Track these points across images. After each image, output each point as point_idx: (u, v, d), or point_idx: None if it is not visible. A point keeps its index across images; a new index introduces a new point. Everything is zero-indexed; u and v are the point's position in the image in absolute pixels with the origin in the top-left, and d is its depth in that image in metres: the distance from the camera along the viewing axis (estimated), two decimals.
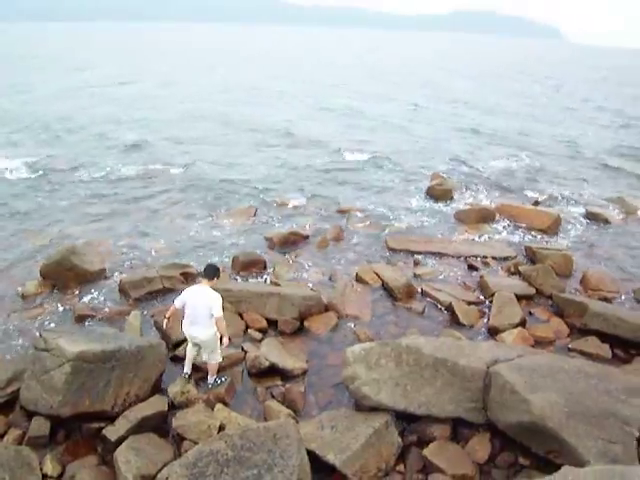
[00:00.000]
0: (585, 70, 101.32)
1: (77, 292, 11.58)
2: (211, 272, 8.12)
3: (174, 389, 8.18)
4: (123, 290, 11.46)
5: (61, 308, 10.94)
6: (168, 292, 11.45)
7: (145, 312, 10.66)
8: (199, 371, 8.70)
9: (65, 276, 11.74)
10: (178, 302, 8.16)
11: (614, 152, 28.61)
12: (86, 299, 11.33)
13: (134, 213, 16.60)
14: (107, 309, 10.90)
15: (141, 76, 54.56)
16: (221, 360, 8.55)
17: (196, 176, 20.79)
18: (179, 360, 9.04)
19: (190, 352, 8.49)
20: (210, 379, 8.57)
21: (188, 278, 12.06)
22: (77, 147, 24.79)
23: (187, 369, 8.56)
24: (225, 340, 8.15)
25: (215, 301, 7.83)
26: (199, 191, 19.00)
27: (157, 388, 8.26)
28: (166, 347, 8.83)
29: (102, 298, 11.39)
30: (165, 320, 8.57)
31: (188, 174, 21.02)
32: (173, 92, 43.98)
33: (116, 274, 12.42)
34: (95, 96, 40.05)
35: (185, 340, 8.84)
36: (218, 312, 7.82)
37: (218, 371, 8.62)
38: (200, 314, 7.90)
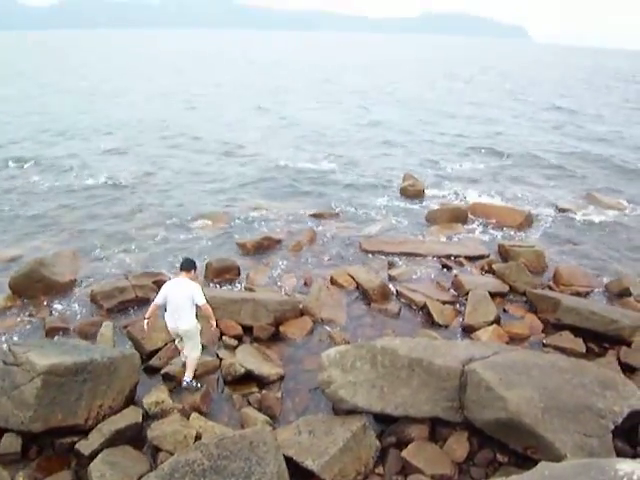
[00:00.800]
0: (542, 69, 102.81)
1: (47, 304, 11.34)
2: (188, 265, 8.46)
3: (149, 400, 8.03)
4: (95, 301, 11.26)
5: (31, 321, 10.69)
6: (141, 301, 11.28)
7: (118, 322, 10.47)
8: (172, 380, 8.57)
9: (35, 288, 11.52)
10: (159, 298, 8.36)
11: (573, 154, 28.97)
12: (57, 311, 11.11)
13: (104, 222, 16.32)
14: (79, 321, 10.68)
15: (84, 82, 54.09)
16: (199, 355, 8.66)
17: (166, 184, 20.58)
18: (153, 370, 8.95)
19: (178, 342, 8.83)
20: (187, 377, 8.51)
21: (161, 286, 11.82)
22: (41, 156, 24.31)
23: (184, 358, 8.75)
24: (213, 323, 8.51)
25: (196, 290, 8.18)
26: (169, 198, 18.79)
27: (131, 399, 8.11)
28: (140, 357, 8.69)
29: (73, 309, 11.18)
30: (146, 321, 8.55)
31: (157, 182, 20.77)
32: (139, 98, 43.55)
33: (87, 284, 12.20)
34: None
35: (159, 349, 9.26)
36: (201, 300, 8.15)
37: (194, 377, 8.51)
38: (181, 305, 8.15)
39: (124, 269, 13.08)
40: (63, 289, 11.86)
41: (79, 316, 10.92)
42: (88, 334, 9.98)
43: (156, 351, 9.36)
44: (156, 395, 8.14)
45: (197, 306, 8.25)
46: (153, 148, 26.20)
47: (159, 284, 11.78)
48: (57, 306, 11.32)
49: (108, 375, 7.80)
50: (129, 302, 11.27)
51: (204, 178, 21.54)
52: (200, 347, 8.67)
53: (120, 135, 29.22)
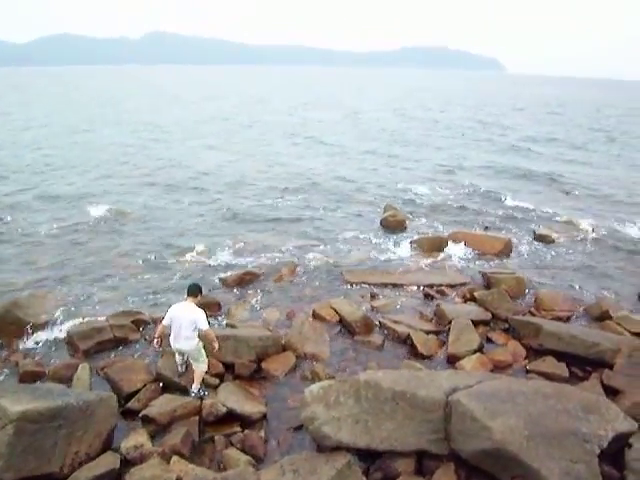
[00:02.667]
0: (504, 99, 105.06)
1: (21, 347, 11.02)
2: (195, 290, 9.09)
3: (127, 444, 7.80)
4: (71, 342, 10.98)
5: (4, 365, 10.36)
6: (119, 342, 11.09)
7: (95, 364, 10.21)
8: (152, 423, 8.36)
9: (8, 331, 11.22)
10: (166, 319, 9.01)
11: (551, 176, 29.56)
12: (31, 354, 10.79)
13: (80, 260, 16.00)
14: (54, 363, 10.34)
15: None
16: (207, 369, 9.27)
17: (143, 219, 20.36)
18: (132, 413, 8.73)
19: (177, 358, 9.42)
20: (194, 387, 9.06)
21: (140, 325, 11.73)
22: (15, 192, 24.07)
23: (180, 369, 9.46)
24: (216, 345, 9.09)
25: (200, 316, 8.78)
26: (147, 235, 18.57)
27: (109, 444, 7.86)
28: (117, 400, 8.48)
29: (48, 352, 10.87)
30: (156, 339, 9.25)
31: (132, 218, 20.50)
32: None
33: (63, 325, 11.87)
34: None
35: (138, 390, 9.18)
36: (204, 325, 8.79)
37: (171, 423, 8.36)
38: (184, 328, 8.74)
39: (101, 309, 12.82)
40: (38, 331, 11.56)
41: (54, 359, 10.60)
42: (64, 377, 9.68)
43: (135, 393, 9.13)
44: (135, 439, 7.92)
45: (200, 330, 8.82)
46: (125, 185, 25.91)
47: (138, 323, 11.74)
48: (31, 349, 11.01)
49: (84, 420, 7.58)
50: (107, 343, 10.99)
51: (182, 214, 21.32)
52: (206, 361, 9.22)
53: (92, 173, 28.94)
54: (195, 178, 27.62)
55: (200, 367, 9.12)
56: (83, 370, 9.66)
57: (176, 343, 8.96)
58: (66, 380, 9.57)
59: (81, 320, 12.08)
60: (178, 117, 55.97)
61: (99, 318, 11.99)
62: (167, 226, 19.43)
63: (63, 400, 7.58)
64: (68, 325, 11.83)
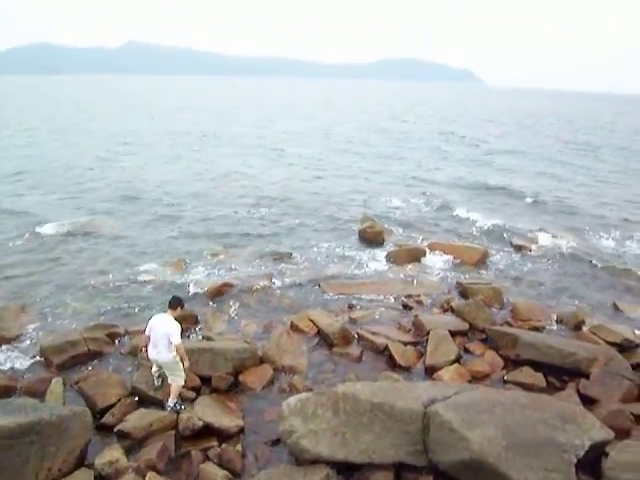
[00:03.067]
0: (477, 111, 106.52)
1: None
2: (174, 302, 9.13)
3: (101, 460, 7.63)
4: (44, 356, 10.75)
5: None
6: (94, 355, 10.90)
7: (69, 378, 10.00)
8: (127, 438, 8.21)
9: None
10: (147, 330, 9.07)
11: (526, 189, 29.99)
12: (3, 368, 10.53)
13: (53, 274, 15.70)
14: (27, 378, 10.13)
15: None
16: (183, 383, 9.16)
17: (115, 233, 20.01)
18: (106, 428, 8.55)
19: (154, 370, 9.36)
20: (170, 401, 9.00)
21: (115, 338, 11.56)
22: None
23: (156, 382, 9.40)
24: (186, 364, 8.98)
25: (173, 329, 8.69)
26: (122, 247, 18.30)
27: (83, 460, 7.69)
28: (92, 414, 8.31)
29: (21, 366, 10.61)
30: (143, 349, 9.35)
31: (107, 231, 20.17)
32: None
33: (36, 339, 11.63)
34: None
35: (113, 405, 9.03)
36: (176, 339, 8.65)
37: (147, 438, 8.21)
38: (160, 340, 8.75)
39: (76, 322, 12.59)
40: (10, 345, 11.35)
41: (27, 373, 10.38)
42: (37, 392, 9.45)
43: (109, 407, 8.97)
44: (110, 454, 7.75)
45: (172, 344, 8.72)
46: (92, 200, 25.40)
47: (113, 336, 11.57)
48: (3, 363, 10.75)
49: (57, 435, 7.41)
50: (81, 356, 10.79)
51: (156, 227, 21.00)
52: (183, 375, 9.08)
53: (64, 184, 28.51)
54: (164, 191, 27.15)
55: (177, 381, 9.02)
56: (57, 384, 9.45)
57: (152, 354, 8.97)
58: (39, 395, 9.34)
59: (55, 333, 11.85)
60: (143, 128, 55.39)
61: (73, 331, 11.76)
62: (140, 239, 19.12)
63: (36, 415, 7.41)
64: (41, 339, 11.58)
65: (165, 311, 9.21)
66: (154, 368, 9.35)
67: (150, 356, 9.06)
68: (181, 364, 8.95)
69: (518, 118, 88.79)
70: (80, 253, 17.48)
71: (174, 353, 8.78)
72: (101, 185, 28.20)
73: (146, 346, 9.17)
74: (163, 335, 8.71)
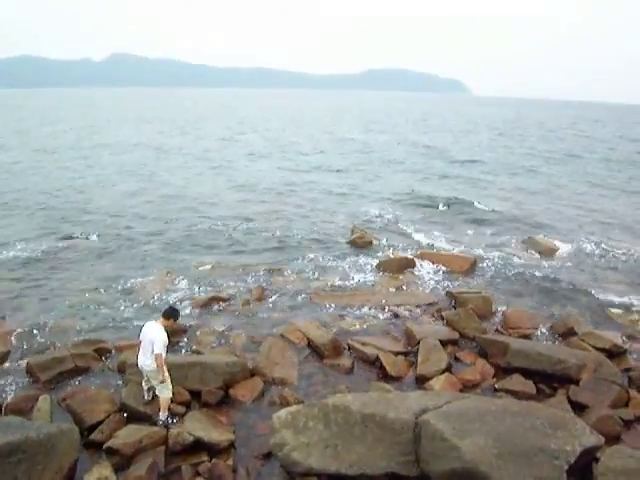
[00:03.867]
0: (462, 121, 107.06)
1: None
2: (167, 313, 9.12)
3: (90, 477, 7.55)
4: (31, 373, 10.61)
5: None
6: (81, 371, 10.79)
7: (56, 395, 9.88)
8: (116, 455, 8.11)
9: None
10: (141, 335, 9.07)
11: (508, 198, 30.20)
12: None
13: (39, 290, 15.50)
14: (13, 396, 9.97)
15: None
16: (171, 396, 9.07)
17: (104, 246, 19.90)
18: (94, 445, 8.45)
19: (144, 383, 9.26)
20: (161, 416, 9.00)
21: (103, 354, 11.45)
22: None
23: (147, 396, 9.30)
24: (161, 376, 8.78)
25: (157, 338, 8.61)
26: (109, 261, 18.15)
27: (71, 478, 7.58)
28: (79, 432, 8.21)
29: (7, 384, 10.42)
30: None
31: (93, 245, 20.06)
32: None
33: (22, 356, 11.48)
34: None
35: (102, 421, 8.90)
36: (157, 349, 8.57)
37: (136, 454, 8.10)
38: (146, 347, 8.78)
39: (62, 338, 12.42)
40: None
41: (14, 391, 10.21)
42: (24, 410, 9.33)
43: (98, 424, 8.85)
44: (98, 472, 7.68)
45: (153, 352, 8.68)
46: (78, 212, 25.38)
47: (100, 352, 11.47)
48: None
49: (45, 454, 7.31)
50: (68, 373, 10.67)
51: (141, 240, 20.82)
52: (170, 387, 8.99)
53: (48, 204, 28.33)
54: (143, 202, 27.25)
55: (163, 393, 8.97)
56: (44, 401, 9.34)
57: (139, 360, 9.00)
58: (26, 412, 9.23)
59: (41, 350, 11.76)
60: (119, 140, 55.50)
61: (60, 348, 11.68)
62: (127, 253, 18.98)
63: (22, 433, 7.31)
64: (28, 355, 11.47)
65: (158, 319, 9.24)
66: (144, 382, 9.27)
67: (138, 363, 9.06)
68: (167, 376, 8.87)
69: (494, 128, 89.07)
70: (63, 271, 17.21)
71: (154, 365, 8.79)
72: (73, 200, 27.82)
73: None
74: (149, 342, 8.72)
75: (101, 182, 33.13)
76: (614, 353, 11.60)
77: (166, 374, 8.82)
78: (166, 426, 8.80)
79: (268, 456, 8.31)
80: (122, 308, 14.18)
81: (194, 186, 32.05)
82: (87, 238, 20.78)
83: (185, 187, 31.76)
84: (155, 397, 9.22)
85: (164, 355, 8.75)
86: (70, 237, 20.88)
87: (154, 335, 8.68)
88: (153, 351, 8.62)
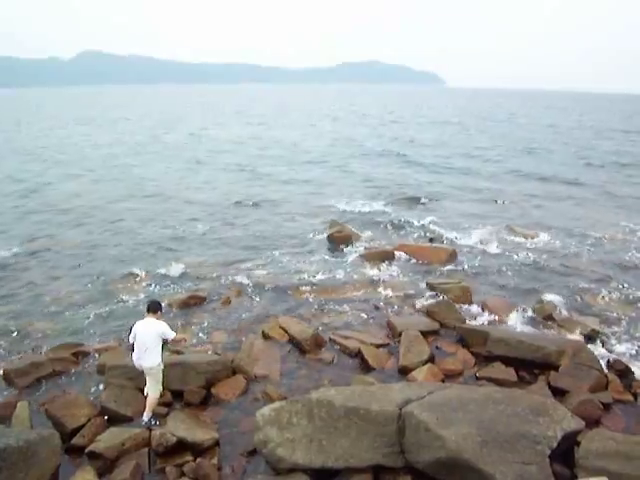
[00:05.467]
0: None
1: None
2: (154, 306, 9.24)
3: None
4: (8, 379, 10.44)
5: None
6: (60, 376, 10.65)
7: (35, 401, 9.74)
8: (99, 459, 8.01)
9: None
10: (131, 337, 9.14)
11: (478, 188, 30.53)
12: None
13: (16, 291, 15.34)
14: None
15: None
16: (159, 396, 9.19)
17: (78, 246, 19.66)
18: (76, 450, 8.33)
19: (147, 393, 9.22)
20: (145, 416, 9.01)
21: (81, 357, 11.30)
22: None
23: (146, 417, 9.11)
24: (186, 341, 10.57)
25: (165, 327, 9.01)
26: (86, 262, 17.90)
27: None
28: (60, 437, 8.08)
29: None
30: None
31: (67, 245, 19.80)
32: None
33: None
34: None
35: (83, 425, 8.80)
36: (171, 334, 9.03)
37: (119, 457, 8.01)
38: (148, 344, 8.82)
39: (40, 342, 12.26)
40: None
41: None
42: (2, 417, 9.13)
43: (79, 428, 8.73)
44: (81, 477, 7.59)
45: (167, 341, 9.13)
46: (52, 211, 25.04)
47: (78, 355, 11.31)
48: None
49: (25, 461, 7.17)
50: (47, 378, 10.54)
51: (117, 241, 20.61)
52: (160, 388, 9.17)
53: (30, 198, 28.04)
54: (117, 201, 26.99)
55: (154, 392, 9.07)
56: (22, 408, 9.18)
57: (139, 360, 8.98)
58: (4, 420, 9.05)
59: (18, 355, 11.58)
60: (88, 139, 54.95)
61: (37, 353, 11.52)
62: (103, 254, 18.70)
63: (1, 441, 7.15)
64: (3, 361, 11.30)
65: (144, 316, 9.29)
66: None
67: (136, 363, 9.06)
68: (161, 374, 9.10)
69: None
70: (40, 273, 16.95)
71: (160, 359, 9.02)
72: (44, 202, 27.43)
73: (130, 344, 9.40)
74: (155, 337, 8.84)
75: (66, 181, 32.86)
76: (593, 338, 11.79)
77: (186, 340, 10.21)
78: (149, 427, 8.72)
79: (253, 453, 8.26)
80: (99, 310, 13.99)
81: (166, 184, 31.79)
82: (60, 240, 20.46)
83: (157, 186, 31.43)
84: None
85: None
86: (43, 238, 20.60)
87: (160, 328, 8.93)
88: (160, 345, 8.95)
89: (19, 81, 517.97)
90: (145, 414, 9.00)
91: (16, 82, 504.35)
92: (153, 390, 9.06)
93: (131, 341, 9.18)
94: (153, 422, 8.95)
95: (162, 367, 9.13)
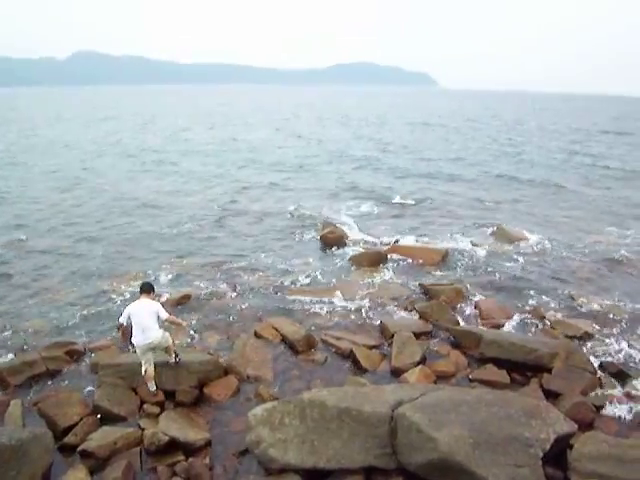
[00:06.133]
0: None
1: None
2: (147, 287, 9.72)
3: None
4: (1, 377, 10.37)
5: None
6: (53, 374, 10.60)
7: (28, 400, 9.70)
8: (91, 457, 7.97)
9: None
10: (123, 318, 9.43)
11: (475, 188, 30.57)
12: None
13: (6, 289, 15.27)
14: None
15: None
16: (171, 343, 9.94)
17: (71, 244, 19.60)
18: (69, 449, 8.30)
19: (149, 369, 9.52)
20: (151, 386, 9.60)
21: (74, 356, 11.25)
22: None
23: (152, 387, 9.60)
24: (183, 323, 10.57)
25: (158, 307, 9.48)
26: (78, 260, 17.84)
27: None
28: (53, 436, 8.08)
29: None
30: (121, 334, 10.46)
31: (60, 243, 19.73)
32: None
33: None
34: None
35: (75, 424, 8.72)
36: (165, 314, 9.39)
37: (111, 456, 7.99)
38: (147, 321, 9.18)
39: (33, 341, 12.19)
40: None
41: None
42: None
43: (71, 427, 8.70)
44: (73, 475, 7.58)
45: (161, 320, 9.40)
46: (41, 213, 24.84)
47: (72, 354, 11.27)
48: None
49: (17, 459, 7.16)
50: (39, 376, 10.50)
51: (113, 236, 20.62)
52: (172, 355, 9.93)
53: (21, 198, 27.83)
54: (111, 201, 26.85)
55: (170, 345, 9.82)
56: (15, 407, 9.18)
57: (145, 336, 9.21)
58: None
59: (11, 354, 11.51)
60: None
61: (30, 351, 11.45)
62: (96, 254, 18.59)
63: None
64: None
65: (139, 297, 9.62)
66: (146, 367, 9.49)
67: (140, 342, 9.26)
68: (170, 340, 9.81)
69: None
70: (29, 273, 16.82)
71: (162, 330, 9.51)
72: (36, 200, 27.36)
73: (121, 328, 9.83)
74: (151, 314, 9.21)
75: (60, 181, 32.65)
76: (585, 340, 11.86)
77: (185, 322, 10.73)
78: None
79: (245, 453, 8.25)
80: (93, 309, 13.94)
81: (156, 185, 31.69)
82: (53, 239, 20.39)
83: (147, 187, 31.29)
84: (146, 373, 9.57)
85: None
86: (36, 237, 20.50)
87: (155, 306, 9.42)
88: (158, 321, 9.31)
89: (14, 80, 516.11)
90: (150, 384, 9.54)
91: (11, 81, 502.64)
92: (168, 349, 9.80)
93: (121, 321, 9.49)
94: (178, 359, 9.96)
95: (167, 335, 9.69)
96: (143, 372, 9.53)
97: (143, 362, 9.49)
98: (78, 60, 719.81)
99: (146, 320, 9.17)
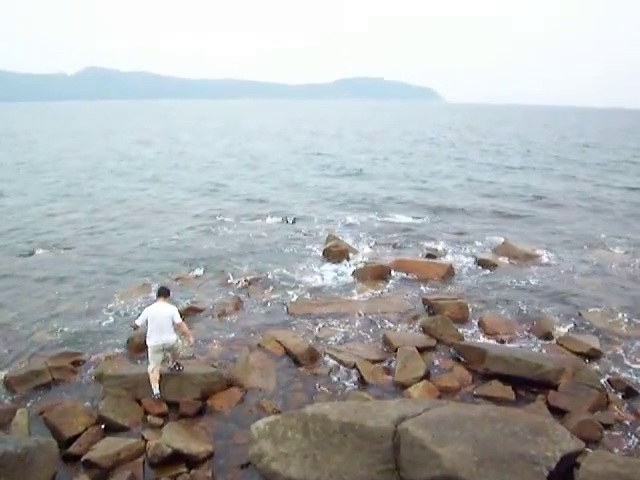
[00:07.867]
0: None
1: None
2: (164, 291, 10.25)
3: None
4: (8, 386, 10.52)
5: None
6: (59, 384, 10.68)
7: (34, 409, 9.77)
8: (94, 468, 7.96)
9: None
10: (140, 321, 9.89)
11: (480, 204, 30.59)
12: None
13: (15, 300, 15.35)
14: None
15: None
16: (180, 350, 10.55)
17: (79, 257, 19.71)
18: (73, 458, 8.33)
19: (155, 370, 9.84)
20: (155, 389, 9.84)
21: (79, 366, 11.31)
22: None
23: (156, 390, 9.80)
24: (190, 339, 10.54)
25: (175, 311, 10.00)
26: (84, 272, 17.92)
27: None
28: (58, 445, 8.17)
29: None
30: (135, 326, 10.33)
31: (69, 257, 19.84)
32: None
33: None
34: None
35: (80, 434, 8.80)
36: (179, 319, 9.90)
37: (114, 467, 7.97)
38: (165, 324, 9.70)
39: (39, 351, 12.27)
40: None
41: None
42: (1, 423, 9.22)
43: (76, 437, 8.76)
44: None
45: (175, 324, 9.85)
46: (49, 225, 25.01)
47: (78, 364, 11.33)
48: None
49: (23, 468, 7.27)
50: (46, 386, 10.61)
51: (119, 250, 20.70)
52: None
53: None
54: (114, 215, 26.96)
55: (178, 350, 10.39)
56: (21, 415, 9.25)
57: (162, 338, 9.69)
58: (3, 426, 9.15)
59: (18, 363, 11.60)
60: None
61: (37, 361, 11.53)
62: (102, 265, 18.71)
63: (0, 447, 7.18)
64: (4, 368, 11.32)
65: (156, 300, 10.17)
66: (152, 368, 9.83)
67: (155, 342, 9.69)
68: (181, 344, 10.43)
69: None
70: (37, 283, 16.97)
71: (175, 335, 9.95)
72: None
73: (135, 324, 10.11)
74: (168, 318, 9.71)
75: (69, 192, 32.90)
76: (592, 357, 11.76)
77: (192, 337, 10.64)
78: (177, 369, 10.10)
79: (247, 466, 8.22)
80: (99, 320, 14.03)
81: (159, 197, 31.88)
82: (60, 251, 20.52)
83: (154, 198, 31.48)
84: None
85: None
86: (42, 249, 20.66)
87: (172, 310, 9.93)
88: (173, 323, 9.78)
89: (23, 95, 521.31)
90: (154, 386, 9.77)
91: (20, 96, 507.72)
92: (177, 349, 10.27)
93: (138, 323, 9.91)
94: (179, 368, 10.29)
95: (180, 341, 10.32)
96: (149, 371, 9.82)
97: (152, 363, 9.80)
98: (87, 76, 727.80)
99: (164, 322, 9.65)
